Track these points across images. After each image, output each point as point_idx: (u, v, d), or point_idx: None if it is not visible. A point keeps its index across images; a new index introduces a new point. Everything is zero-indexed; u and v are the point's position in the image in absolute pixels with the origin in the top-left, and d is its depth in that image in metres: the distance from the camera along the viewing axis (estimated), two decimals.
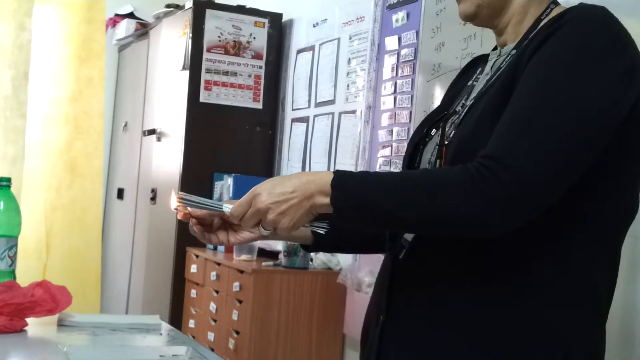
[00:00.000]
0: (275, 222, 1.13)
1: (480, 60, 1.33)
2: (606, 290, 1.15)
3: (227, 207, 1.18)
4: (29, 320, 1.52)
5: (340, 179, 1.10)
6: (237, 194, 3.24)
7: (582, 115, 1.04)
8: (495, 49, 1.29)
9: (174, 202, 1.22)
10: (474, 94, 1.23)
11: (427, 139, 1.27)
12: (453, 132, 1.19)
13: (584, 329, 1.12)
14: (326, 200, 1.10)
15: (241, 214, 1.15)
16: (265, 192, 1.12)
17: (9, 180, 1.76)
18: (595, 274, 1.12)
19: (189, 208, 1.22)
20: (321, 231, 1.20)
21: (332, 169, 3.35)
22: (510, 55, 1.18)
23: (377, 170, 2.97)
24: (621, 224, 1.16)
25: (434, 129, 1.27)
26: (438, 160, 1.19)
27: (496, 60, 1.24)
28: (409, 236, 1.21)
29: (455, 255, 1.13)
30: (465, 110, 1.20)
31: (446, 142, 1.19)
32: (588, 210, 1.11)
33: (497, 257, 1.11)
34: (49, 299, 1.54)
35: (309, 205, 1.11)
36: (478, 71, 1.29)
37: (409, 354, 1.16)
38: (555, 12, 1.19)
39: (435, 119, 1.28)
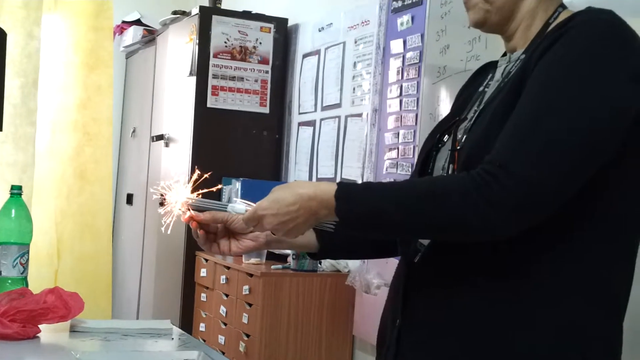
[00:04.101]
0: (283, 238, 1.22)
1: (489, 67, 1.32)
2: (623, 289, 1.15)
3: (233, 207, 1.20)
4: (41, 327, 1.53)
5: (344, 190, 1.11)
6: (245, 198, 3.24)
7: (588, 118, 1.04)
8: (504, 55, 1.28)
9: (174, 197, 1.25)
10: (485, 100, 1.23)
11: (439, 146, 1.26)
12: (465, 137, 1.19)
13: (602, 327, 1.12)
14: (331, 213, 1.12)
15: (245, 230, 1.25)
16: (270, 213, 1.15)
17: (20, 188, 1.77)
18: (611, 272, 1.12)
19: (192, 211, 1.27)
20: (329, 228, 1.19)
21: (339, 172, 3.39)
22: (519, 60, 1.18)
23: (384, 172, 2.99)
24: (636, 222, 1.14)
25: (446, 135, 1.26)
26: (451, 165, 1.19)
27: (506, 66, 1.24)
28: (424, 240, 1.21)
29: (471, 256, 1.13)
30: (475, 116, 1.20)
31: (458, 147, 1.19)
32: (601, 209, 1.10)
33: (512, 257, 1.11)
34: (61, 306, 1.54)
35: (314, 219, 1.14)
36: (489, 77, 1.28)
37: (426, 356, 1.16)
38: (563, 15, 1.18)
39: (446, 125, 1.28)
